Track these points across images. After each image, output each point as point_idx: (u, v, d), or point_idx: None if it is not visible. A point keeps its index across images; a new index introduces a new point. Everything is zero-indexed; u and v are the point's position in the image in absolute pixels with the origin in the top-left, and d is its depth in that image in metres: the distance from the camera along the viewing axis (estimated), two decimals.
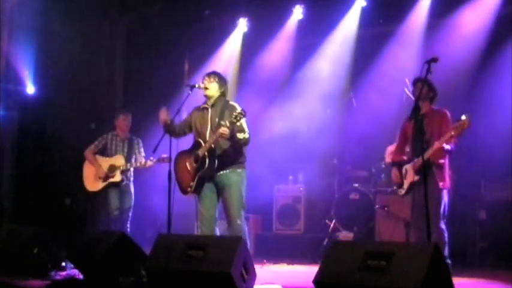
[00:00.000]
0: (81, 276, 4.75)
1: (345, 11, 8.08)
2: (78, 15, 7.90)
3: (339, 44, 8.18)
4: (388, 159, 7.44)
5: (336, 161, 7.81)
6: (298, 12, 8.28)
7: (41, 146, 8.09)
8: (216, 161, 5.03)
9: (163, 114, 5.19)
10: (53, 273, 4.99)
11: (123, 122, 6.63)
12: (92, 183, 6.51)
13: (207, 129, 5.13)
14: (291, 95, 8.32)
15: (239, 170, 5.10)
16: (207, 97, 5.19)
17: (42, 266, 5.00)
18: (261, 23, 8.54)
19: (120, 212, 6.45)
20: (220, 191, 5.12)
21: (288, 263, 6.24)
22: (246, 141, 5.03)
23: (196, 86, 5.25)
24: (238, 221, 4.99)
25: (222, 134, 4.82)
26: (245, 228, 5.06)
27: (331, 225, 7.30)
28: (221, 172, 5.07)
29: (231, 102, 5.17)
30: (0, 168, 7.89)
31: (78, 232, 7.22)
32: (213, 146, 5.01)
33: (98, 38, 8.57)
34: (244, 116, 4.84)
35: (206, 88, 5.14)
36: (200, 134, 5.16)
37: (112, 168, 6.43)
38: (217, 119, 5.03)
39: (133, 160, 6.55)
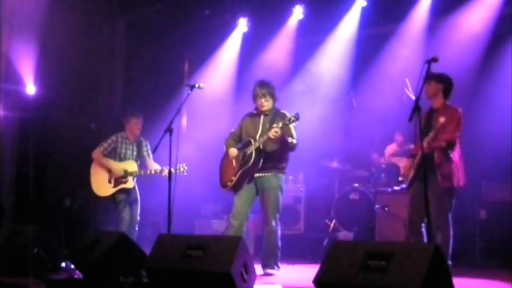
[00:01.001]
0: (81, 276, 4.74)
1: (345, 10, 8.07)
2: (78, 15, 7.90)
3: (339, 44, 8.18)
4: (388, 159, 7.45)
5: (336, 161, 7.81)
6: (298, 12, 8.26)
7: (41, 146, 8.09)
8: (262, 161, 5.29)
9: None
10: (53, 273, 4.99)
11: (135, 125, 6.47)
12: (102, 188, 6.36)
13: (257, 133, 5.40)
14: (291, 95, 8.32)
15: (280, 175, 5.42)
16: (264, 111, 5.46)
17: (42, 266, 5.00)
18: (261, 23, 8.53)
19: (126, 204, 6.34)
20: (259, 192, 5.42)
21: (288, 263, 6.24)
22: (293, 147, 5.32)
23: (196, 86, 5.32)
24: (273, 223, 5.34)
25: (274, 134, 5.06)
26: (278, 230, 5.40)
27: (331, 225, 7.30)
28: (262, 174, 5.36)
29: (282, 111, 5.46)
30: (0, 168, 7.88)
31: (78, 232, 7.22)
32: (261, 146, 5.28)
33: (98, 38, 8.56)
34: (297, 119, 5.08)
35: (264, 106, 5.43)
36: (250, 137, 5.43)
37: (125, 174, 6.32)
38: (267, 125, 5.29)
39: (140, 163, 6.49)
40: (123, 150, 6.45)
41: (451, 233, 4.97)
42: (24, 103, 7.94)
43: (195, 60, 9.12)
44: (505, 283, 4.95)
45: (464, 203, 6.47)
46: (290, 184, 8.05)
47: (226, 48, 8.86)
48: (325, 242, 6.85)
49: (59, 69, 7.97)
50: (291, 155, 5.55)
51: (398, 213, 6.47)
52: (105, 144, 6.45)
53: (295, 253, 7.09)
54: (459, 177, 5.04)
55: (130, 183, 6.33)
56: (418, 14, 7.58)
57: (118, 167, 6.37)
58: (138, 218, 6.45)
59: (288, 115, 5.19)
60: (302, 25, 8.36)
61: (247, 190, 5.41)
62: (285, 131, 5.20)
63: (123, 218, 6.30)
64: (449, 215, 5.00)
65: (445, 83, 5.14)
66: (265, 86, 5.45)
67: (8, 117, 7.82)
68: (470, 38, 7.08)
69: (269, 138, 5.13)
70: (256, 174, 5.38)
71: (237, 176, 5.37)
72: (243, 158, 5.37)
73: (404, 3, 7.61)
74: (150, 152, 6.53)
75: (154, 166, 6.35)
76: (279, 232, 5.41)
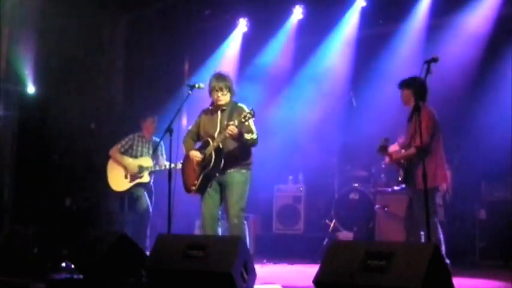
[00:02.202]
0: (80, 276, 4.75)
1: (345, 11, 8.08)
2: (79, 14, 7.89)
3: (339, 44, 8.19)
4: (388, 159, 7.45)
5: (335, 160, 7.81)
6: (298, 12, 8.27)
7: (41, 146, 8.08)
8: (223, 161, 5.05)
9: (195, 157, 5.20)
10: (53, 273, 4.99)
11: (151, 125, 6.87)
12: (119, 183, 6.66)
13: (215, 131, 5.14)
14: (291, 95, 8.33)
15: (243, 171, 5.11)
16: (221, 106, 5.19)
17: (42, 266, 5.00)
18: (261, 23, 8.54)
19: (143, 199, 6.58)
20: (222, 190, 5.13)
21: (288, 263, 6.24)
22: (253, 142, 5.06)
23: (196, 86, 5.29)
24: (235, 220, 4.98)
25: (229, 132, 4.83)
26: (244, 227, 5.12)
27: (331, 225, 7.31)
28: (226, 171, 5.09)
29: (239, 104, 5.20)
30: (0, 168, 7.88)
31: (78, 232, 7.21)
32: (220, 145, 5.04)
33: (98, 38, 8.55)
34: (252, 116, 4.88)
35: (220, 100, 5.15)
36: (209, 136, 5.19)
37: (140, 169, 6.62)
38: (225, 121, 5.04)
39: (155, 162, 6.71)
40: (139, 148, 6.79)
41: (440, 231, 4.96)
42: (24, 103, 7.94)
43: (195, 60, 9.12)
44: (505, 283, 4.96)
45: (464, 203, 6.49)
46: (290, 184, 8.07)
47: (226, 48, 8.86)
48: (325, 242, 6.86)
49: (59, 69, 7.97)
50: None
51: (398, 213, 6.46)
52: (122, 142, 6.81)
53: (295, 253, 7.11)
54: (439, 176, 5.02)
55: (146, 177, 6.61)
56: (418, 14, 7.58)
57: (133, 163, 6.66)
58: (148, 230, 6.57)
59: (246, 109, 4.98)
60: (302, 25, 8.36)
61: (211, 193, 5.13)
62: (243, 127, 4.96)
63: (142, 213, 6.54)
64: (434, 216, 4.94)
65: (413, 87, 4.97)
66: (222, 79, 5.18)
67: (8, 116, 7.82)
68: (470, 38, 7.08)
69: (227, 136, 4.93)
70: (218, 174, 5.12)
71: (199, 180, 5.11)
72: (203, 160, 5.11)
73: (404, 3, 7.61)
74: (163, 152, 6.83)
75: (167, 164, 6.46)
76: (245, 229, 5.17)
